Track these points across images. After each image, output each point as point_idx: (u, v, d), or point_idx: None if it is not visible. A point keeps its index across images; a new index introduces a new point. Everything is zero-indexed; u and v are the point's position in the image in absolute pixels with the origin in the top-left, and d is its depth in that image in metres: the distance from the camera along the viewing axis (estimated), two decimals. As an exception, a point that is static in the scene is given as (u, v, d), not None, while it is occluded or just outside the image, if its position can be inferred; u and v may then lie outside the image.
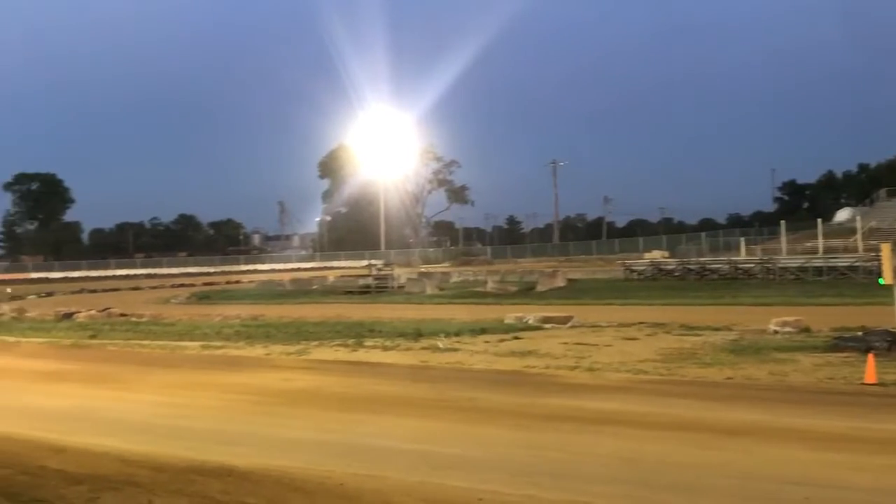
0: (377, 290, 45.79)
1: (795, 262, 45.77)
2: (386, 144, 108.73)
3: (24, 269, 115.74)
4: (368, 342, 20.21)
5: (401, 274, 52.77)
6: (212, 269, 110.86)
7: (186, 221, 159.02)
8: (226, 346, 21.23)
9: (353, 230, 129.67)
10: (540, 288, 42.15)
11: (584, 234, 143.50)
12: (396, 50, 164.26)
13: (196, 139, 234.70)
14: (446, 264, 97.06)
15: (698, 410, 11.29)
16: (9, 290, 68.27)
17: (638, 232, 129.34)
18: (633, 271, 51.15)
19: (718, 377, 14.00)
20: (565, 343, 18.65)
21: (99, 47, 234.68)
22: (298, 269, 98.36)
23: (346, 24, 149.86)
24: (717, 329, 20.20)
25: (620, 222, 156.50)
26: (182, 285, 70.54)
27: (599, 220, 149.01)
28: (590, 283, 48.26)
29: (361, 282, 49.38)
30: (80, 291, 64.40)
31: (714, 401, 12.00)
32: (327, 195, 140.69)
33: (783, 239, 55.96)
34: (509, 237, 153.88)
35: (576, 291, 39.84)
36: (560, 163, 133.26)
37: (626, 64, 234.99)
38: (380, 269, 53.08)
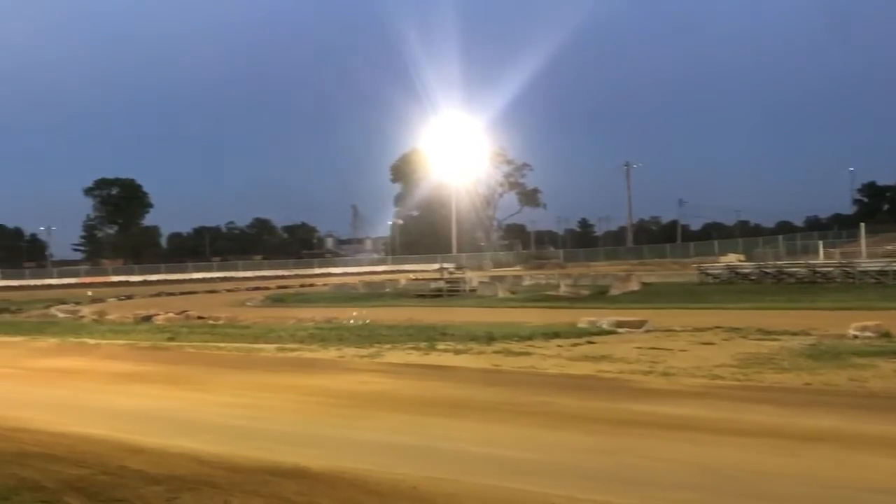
0: (449, 293, 45.84)
1: (876, 265, 44.68)
2: (457, 148, 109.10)
3: (105, 273, 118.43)
4: (440, 345, 20.23)
5: (472, 277, 52.80)
6: (286, 273, 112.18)
7: (261, 225, 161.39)
8: (300, 348, 21.44)
9: (425, 233, 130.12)
10: (613, 292, 41.84)
11: (658, 237, 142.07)
12: (469, 54, 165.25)
13: (271, 144, 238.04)
14: (518, 268, 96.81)
15: (776, 416, 11.07)
16: (90, 292, 70.03)
17: (713, 235, 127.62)
18: (708, 275, 50.46)
19: (796, 383, 13.72)
20: (639, 347, 18.45)
21: (178, 55, 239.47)
22: (371, 273, 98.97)
23: (420, 29, 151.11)
24: (794, 334, 19.80)
25: (695, 225, 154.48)
26: (257, 288, 71.50)
27: (674, 223, 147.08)
28: (664, 286, 47.74)
29: (433, 285, 49.47)
30: (159, 294, 65.71)
31: (792, 407, 11.75)
32: (399, 199, 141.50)
33: (863, 242, 54.72)
34: (582, 240, 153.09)
35: (650, 295, 39.43)
36: (634, 165, 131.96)
37: (699, 67, 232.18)
38: (451, 273, 53.24)
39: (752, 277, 47.82)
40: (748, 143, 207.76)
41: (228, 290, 70.32)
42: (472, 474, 8.59)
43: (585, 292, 42.48)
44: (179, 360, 20.77)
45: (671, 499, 7.64)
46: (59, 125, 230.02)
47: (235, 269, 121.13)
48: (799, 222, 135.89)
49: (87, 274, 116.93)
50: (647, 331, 21.93)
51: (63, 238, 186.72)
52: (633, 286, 44.07)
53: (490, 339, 20.67)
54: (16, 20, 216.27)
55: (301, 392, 14.62)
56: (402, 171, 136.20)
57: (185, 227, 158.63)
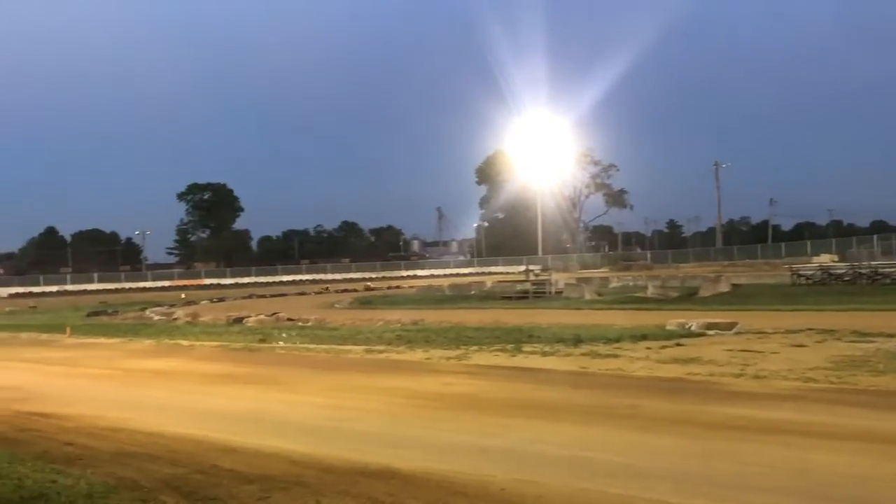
0: (535, 295, 45.69)
1: (976, 264, 43.18)
2: (543, 149, 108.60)
3: (197, 276, 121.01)
4: (527, 347, 20.19)
5: (558, 279, 52.56)
6: (373, 275, 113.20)
7: (349, 228, 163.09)
8: (388, 350, 21.62)
9: (511, 235, 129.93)
10: (703, 293, 41.20)
11: (748, 237, 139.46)
12: (554, 54, 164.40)
13: (358, 148, 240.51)
14: (605, 269, 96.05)
15: (871, 420, 10.79)
16: (183, 295, 71.72)
17: (805, 235, 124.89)
18: (800, 276, 49.34)
19: (892, 386, 13.34)
20: (730, 350, 18.14)
21: (268, 64, 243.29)
22: (456, 275, 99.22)
23: (505, 30, 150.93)
24: (891, 335, 19.22)
25: (787, 225, 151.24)
26: (345, 290, 72.37)
27: (765, 224, 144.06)
28: (755, 288, 46.83)
29: (519, 287, 49.36)
30: (250, 297, 66.94)
31: (889, 411, 11.44)
32: (484, 201, 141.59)
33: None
34: (670, 241, 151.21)
35: (740, 297, 38.72)
36: (723, 164, 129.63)
37: (790, 63, 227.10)
38: (537, 275, 53.10)
39: (846, 278, 46.61)
40: (841, 140, 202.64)
41: (317, 293, 71.26)
42: (561, 477, 8.56)
43: (674, 294, 41.90)
44: (270, 361, 21.13)
45: (763, 503, 7.52)
46: (153, 132, 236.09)
47: (324, 271, 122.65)
48: (895, 221, 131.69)
49: (181, 277, 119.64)
50: (738, 333, 21.55)
51: (157, 242, 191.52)
52: (723, 288, 43.32)
53: (577, 341, 20.56)
54: (110, 30, 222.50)
55: (389, 393, 14.73)
56: (487, 174, 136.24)
57: (275, 231, 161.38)
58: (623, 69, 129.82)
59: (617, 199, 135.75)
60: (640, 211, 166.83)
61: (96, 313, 49.70)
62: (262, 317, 34.79)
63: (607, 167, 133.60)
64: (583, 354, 18.57)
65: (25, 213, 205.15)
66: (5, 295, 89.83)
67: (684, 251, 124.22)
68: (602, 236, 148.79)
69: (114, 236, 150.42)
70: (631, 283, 52.12)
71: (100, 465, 9.75)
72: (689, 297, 39.90)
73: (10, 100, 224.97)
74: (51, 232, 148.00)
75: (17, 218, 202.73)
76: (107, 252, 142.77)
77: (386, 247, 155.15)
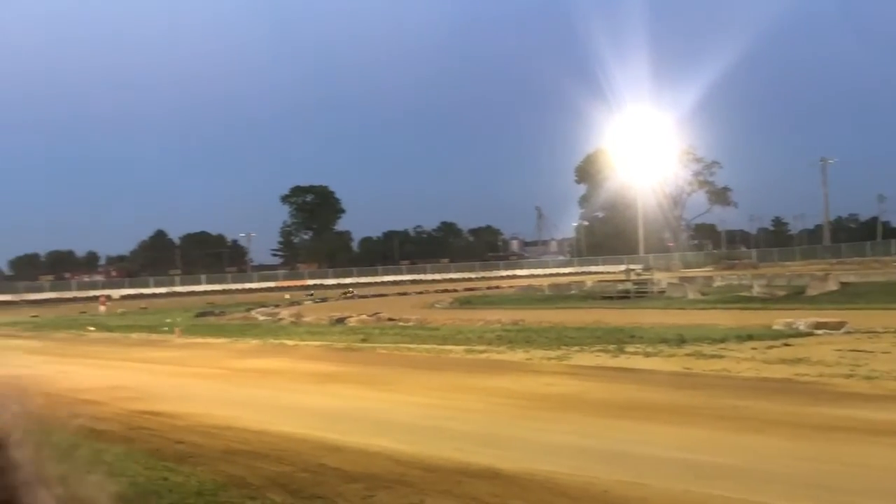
0: (636, 295, 45.16)
1: None
2: (644, 147, 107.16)
3: (301, 277, 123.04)
4: (629, 348, 19.99)
5: (660, 278, 51.86)
6: (472, 275, 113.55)
7: (448, 228, 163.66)
8: (488, 350, 21.65)
9: (611, 234, 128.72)
10: (810, 292, 40.09)
11: (856, 234, 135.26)
12: (657, 50, 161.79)
13: (456, 148, 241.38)
14: (708, 268, 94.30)
15: None
16: (287, 296, 73.01)
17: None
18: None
19: None
20: (839, 350, 17.65)
21: (366, 65, 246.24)
22: (556, 275, 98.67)
23: (606, 26, 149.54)
24: None
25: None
26: (445, 290, 72.73)
27: (874, 220, 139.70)
28: (865, 286, 45.34)
29: (620, 287, 48.86)
30: (352, 297, 67.71)
31: None
32: (584, 200, 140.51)
33: None
34: (775, 239, 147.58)
35: (849, 295, 37.58)
36: (829, 160, 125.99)
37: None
38: (639, 274, 52.51)
39: (963, 275, 44.88)
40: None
41: (417, 293, 71.77)
42: (665, 479, 8.47)
43: (780, 293, 40.89)
44: (372, 360, 21.37)
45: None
46: (256, 136, 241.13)
47: (423, 271, 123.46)
48: None
49: (285, 278, 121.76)
50: (847, 332, 20.96)
51: (262, 244, 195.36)
52: (832, 286, 42.10)
53: (681, 341, 20.26)
54: (210, 32, 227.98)
55: (490, 393, 14.77)
56: (586, 172, 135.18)
57: (376, 232, 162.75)
58: (727, 63, 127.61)
59: (720, 196, 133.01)
60: (745, 208, 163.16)
61: (204, 314, 51.00)
62: (363, 317, 35.21)
63: (710, 164, 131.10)
64: (687, 355, 18.30)
65: (136, 216, 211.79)
66: (117, 296, 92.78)
67: (790, 249, 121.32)
68: (705, 235, 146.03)
69: (220, 238, 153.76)
70: (735, 282, 51.01)
71: (209, 463, 10.02)
72: (796, 296, 38.89)
73: (111, 107, 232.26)
74: (160, 235, 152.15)
75: (128, 222, 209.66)
76: (214, 254, 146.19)
77: (485, 247, 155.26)
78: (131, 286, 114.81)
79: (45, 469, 0.70)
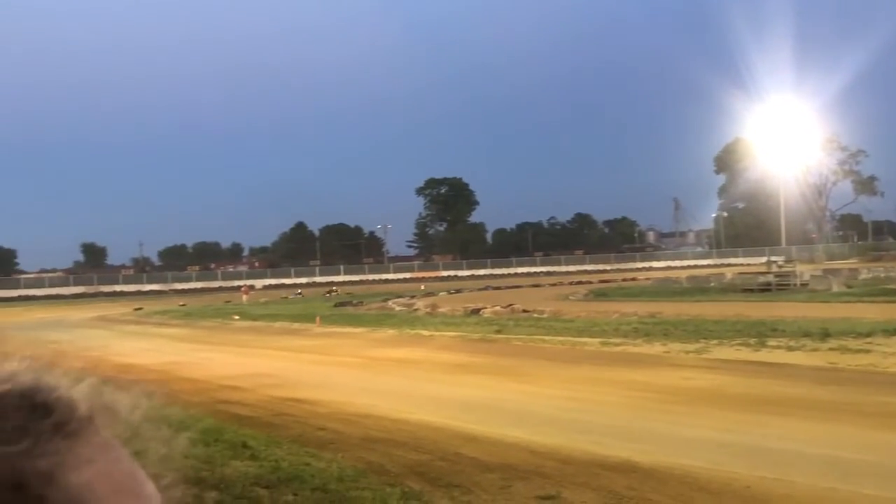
0: (778, 287, 43.86)
1: None
2: (785, 136, 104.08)
3: (435, 268, 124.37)
4: (771, 342, 19.45)
5: (803, 271, 50.21)
6: (607, 267, 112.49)
7: (582, 220, 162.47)
8: (624, 343, 21.43)
9: (751, 226, 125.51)
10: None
11: None
12: (800, 37, 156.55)
13: (591, 139, 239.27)
14: (854, 260, 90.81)
15: None
16: (422, 286, 73.86)
17: None
18: None
19: None
20: None
21: (498, 57, 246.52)
22: (694, 266, 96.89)
23: (746, 12, 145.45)
24: None
25: None
26: (579, 282, 72.23)
27: None
28: None
29: (761, 279, 47.52)
30: (485, 288, 68.04)
31: None
32: (723, 190, 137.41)
33: None
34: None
35: None
36: None
37: None
38: (780, 266, 50.91)
39: None
40: None
41: (551, 285, 71.47)
42: (809, 476, 8.25)
43: (932, 286, 39.10)
44: (507, 352, 21.44)
45: None
46: (392, 130, 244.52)
47: (557, 263, 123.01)
48: None
49: (420, 269, 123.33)
50: None
51: (398, 235, 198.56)
52: None
53: (825, 335, 19.60)
54: (341, 30, 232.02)
55: (627, 387, 14.64)
56: (725, 162, 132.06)
57: (509, 224, 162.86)
58: (873, 49, 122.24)
59: (866, 186, 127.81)
60: (893, 198, 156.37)
61: (342, 304, 52.07)
62: (497, 308, 35.33)
63: (855, 153, 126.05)
64: (831, 349, 17.69)
65: (278, 209, 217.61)
66: (259, 286, 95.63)
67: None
68: (850, 225, 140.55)
69: (358, 230, 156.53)
70: (883, 275, 48.99)
71: (349, 450, 10.25)
72: (949, 290, 37.12)
73: (258, 108, 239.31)
74: (300, 227, 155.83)
75: (271, 214, 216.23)
76: (351, 245, 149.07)
77: (620, 238, 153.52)
78: (273, 276, 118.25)
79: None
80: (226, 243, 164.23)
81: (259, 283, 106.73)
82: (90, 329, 42.51)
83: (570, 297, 49.27)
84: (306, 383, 16.96)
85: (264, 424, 12.33)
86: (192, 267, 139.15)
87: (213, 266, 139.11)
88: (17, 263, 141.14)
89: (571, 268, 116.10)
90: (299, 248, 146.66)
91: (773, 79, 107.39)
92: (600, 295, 51.08)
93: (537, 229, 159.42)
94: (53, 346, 28.36)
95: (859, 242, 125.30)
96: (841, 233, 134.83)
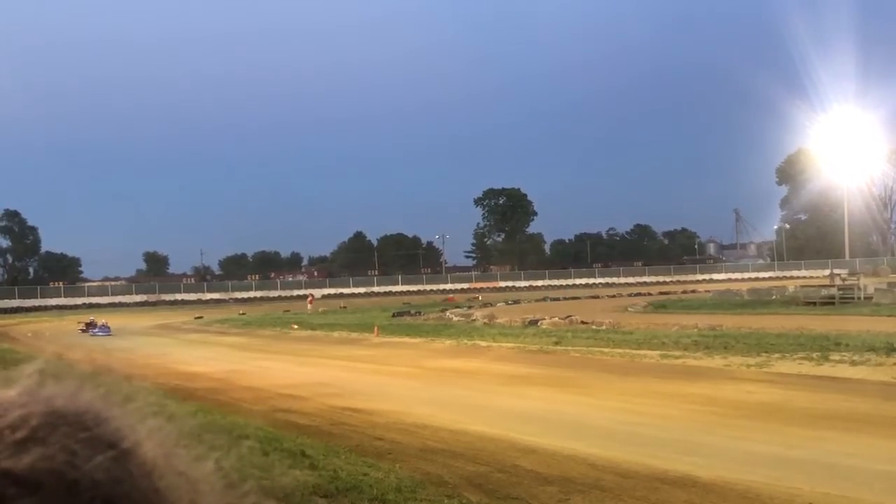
0: (841, 300, 43.10)
1: None
2: (849, 147, 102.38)
3: (493, 278, 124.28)
4: (834, 356, 19.12)
5: (868, 284, 49.28)
6: (666, 279, 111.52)
7: (641, 231, 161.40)
8: (684, 355, 21.21)
9: (814, 238, 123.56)
10: None
11: None
12: (865, 45, 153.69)
13: (651, 150, 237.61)
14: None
15: None
16: (479, 297, 73.81)
17: None
18: None
19: None
20: None
21: (560, 67, 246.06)
22: (756, 279, 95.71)
23: (809, 21, 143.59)
24: None
25: None
26: (638, 294, 71.74)
27: None
28: None
29: (824, 292, 46.76)
30: (543, 299, 67.91)
31: None
32: (785, 202, 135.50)
33: None
34: None
35: None
36: None
37: None
38: (844, 279, 50.04)
39: None
40: None
41: (610, 296, 71.09)
42: (875, 493, 8.11)
43: None
44: (565, 363, 21.35)
45: None
46: (451, 139, 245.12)
47: (616, 275, 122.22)
48: None
49: (477, 280, 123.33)
50: None
51: (456, 245, 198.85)
52: None
53: (890, 350, 19.19)
54: (405, 39, 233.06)
55: (686, 400, 14.50)
56: (787, 173, 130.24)
57: (567, 234, 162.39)
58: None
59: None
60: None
61: (400, 314, 52.33)
62: (555, 319, 35.19)
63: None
64: (896, 365, 17.35)
65: (337, 219, 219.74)
66: (318, 296, 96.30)
67: None
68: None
69: (416, 240, 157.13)
70: (952, 289, 47.91)
71: (407, 460, 10.27)
72: None
73: (321, 119, 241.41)
74: (359, 236, 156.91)
75: (330, 224, 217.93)
76: (409, 255, 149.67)
77: (679, 250, 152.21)
78: (332, 286, 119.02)
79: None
80: (285, 253, 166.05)
81: (318, 292, 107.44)
82: (152, 337, 43.23)
83: (629, 309, 48.91)
84: (364, 393, 17.04)
85: (322, 433, 12.40)
86: (252, 276, 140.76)
87: (272, 275, 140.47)
88: (81, 271, 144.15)
89: (630, 279, 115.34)
90: (358, 258, 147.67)
91: (836, 89, 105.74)
92: (659, 307, 50.66)
93: (596, 240, 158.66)
94: (118, 353, 28.89)
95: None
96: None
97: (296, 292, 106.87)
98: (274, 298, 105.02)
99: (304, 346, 31.94)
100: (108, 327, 46.39)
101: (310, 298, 74.54)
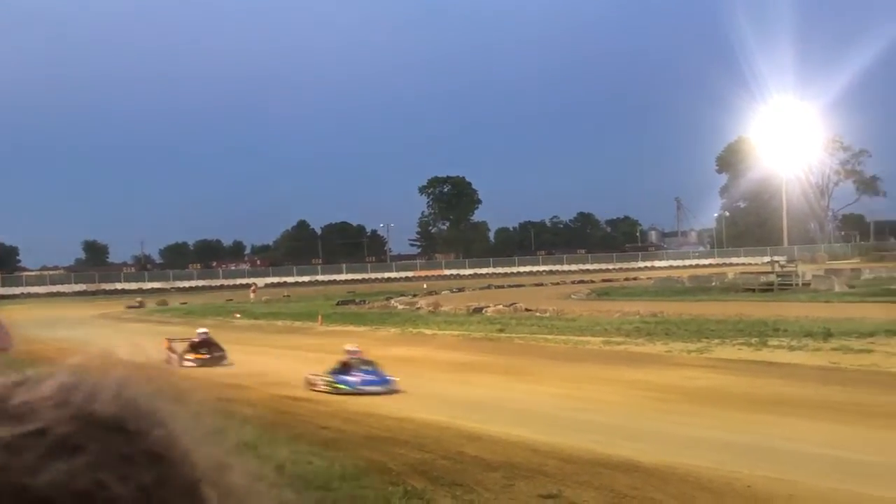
0: (780, 287, 43.83)
1: None
2: (788, 136, 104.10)
3: (438, 266, 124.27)
4: (773, 341, 19.47)
5: (805, 271, 50.16)
6: (609, 266, 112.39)
7: (584, 219, 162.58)
8: (626, 342, 21.45)
9: (753, 225, 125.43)
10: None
11: None
12: (802, 37, 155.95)
13: (594, 139, 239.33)
14: (856, 260, 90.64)
15: None
16: (424, 285, 73.86)
17: None
18: None
19: None
20: None
21: (503, 56, 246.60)
22: (696, 266, 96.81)
23: (750, 11, 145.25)
24: None
25: None
26: (581, 282, 72.28)
27: None
28: None
29: (763, 279, 47.50)
30: (488, 287, 68.03)
31: None
32: (725, 190, 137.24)
33: None
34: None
35: None
36: None
37: None
38: (783, 266, 50.80)
39: None
40: None
41: (554, 284, 71.48)
42: (812, 476, 8.26)
43: (935, 286, 39.05)
44: (510, 350, 21.46)
45: None
46: (393, 129, 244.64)
47: (560, 262, 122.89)
48: None
49: (422, 268, 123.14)
50: None
51: (400, 234, 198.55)
52: None
53: (827, 335, 19.60)
54: (346, 28, 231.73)
55: (629, 386, 14.66)
56: (728, 162, 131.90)
57: (512, 223, 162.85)
58: (876, 49, 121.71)
59: (869, 185, 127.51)
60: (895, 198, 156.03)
61: (345, 302, 52.08)
62: (500, 307, 35.33)
63: (858, 153, 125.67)
64: (833, 349, 17.69)
65: (280, 208, 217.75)
66: (261, 285, 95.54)
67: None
68: (853, 225, 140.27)
69: (360, 229, 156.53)
70: (885, 275, 48.96)
71: (352, 449, 10.27)
72: (952, 290, 37.08)
73: (259, 106, 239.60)
74: (302, 225, 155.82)
75: (274, 213, 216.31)
76: (353, 244, 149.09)
77: (622, 238, 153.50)
78: (275, 275, 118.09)
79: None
80: (227, 242, 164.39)
81: (261, 281, 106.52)
82: (92, 327, 42.57)
83: (573, 297, 49.29)
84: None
85: (266, 423, 12.32)
86: (193, 265, 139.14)
87: (214, 265, 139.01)
88: (19, 261, 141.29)
89: (574, 267, 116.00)
90: (301, 247, 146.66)
91: (776, 79, 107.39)
92: (602, 294, 51.12)
93: (540, 228, 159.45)
94: (57, 344, 28.40)
95: (861, 242, 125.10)
96: (843, 233, 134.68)
97: (238, 281, 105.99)
98: (216, 287, 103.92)
99: (246, 335, 31.65)
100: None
101: (253, 287, 73.98)
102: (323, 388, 15.46)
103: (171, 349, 21.55)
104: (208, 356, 21.21)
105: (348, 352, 16.45)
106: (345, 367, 15.86)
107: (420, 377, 17.27)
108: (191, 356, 21.13)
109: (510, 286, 67.62)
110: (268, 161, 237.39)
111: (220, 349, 21.79)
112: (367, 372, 15.57)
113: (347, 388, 15.09)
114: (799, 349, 18.15)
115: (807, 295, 38.90)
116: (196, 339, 22.14)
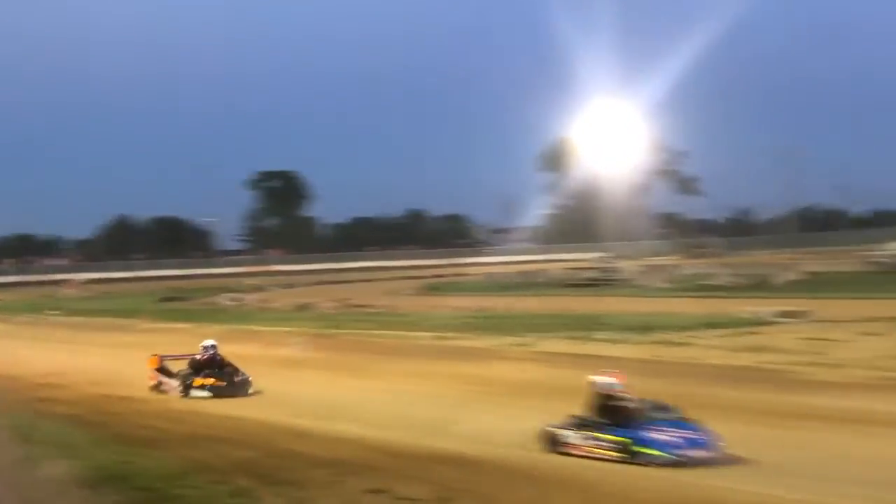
0: (603, 283, 45.17)
1: None
2: (610, 136, 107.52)
3: (268, 262, 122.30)
4: (597, 335, 20.00)
5: (628, 267, 51.99)
6: (439, 262, 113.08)
7: (415, 216, 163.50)
8: (456, 336, 21.61)
9: (577, 223, 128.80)
10: (776, 281, 40.42)
11: (822, 224, 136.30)
12: (625, 37, 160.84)
13: (426, 135, 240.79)
14: (675, 257, 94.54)
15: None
16: (254, 281, 72.58)
17: (881, 222, 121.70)
18: (875, 263, 48.06)
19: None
20: (804, 338, 17.76)
21: (332, 48, 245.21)
22: (524, 262, 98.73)
23: (571, 9, 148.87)
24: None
25: (861, 212, 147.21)
26: (412, 277, 72.60)
27: (839, 210, 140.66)
28: (829, 276, 45.76)
29: (587, 275, 48.89)
30: (320, 283, 67.41)
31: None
32: (551, 188, 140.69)
33: None
34: (742, 229, 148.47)
35: (814, 285, 37.93)
36: (797, 152, 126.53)
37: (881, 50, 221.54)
38: (606, 262, 52.50)
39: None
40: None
41: (385, 280, 71.55)
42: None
43: (746, 282, 41.15)
44: (340, 346, 21.30)
45: (841, 493, 7.42)
46: (220, 116, 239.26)
47: (391, 258, 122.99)
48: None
49: (252, 263, 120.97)
50: (812, 321, 21.09)
51: (229, 229, 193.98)
52: (796, 275, 42.47)
53: (647, 328, 20.33)
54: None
55: (458, 380, 14.78)
56: (552, 161, 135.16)
57: (343, 218, 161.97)
58: (697, 53, 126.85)
59: (688, 186, 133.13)
60: (713, 198, 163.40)
61: (170, 299, 50.42)
62: (331, 303, 35.09)
63: (678, 154, 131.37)
64: (654, 343, 18.35)
65: (100, 200, 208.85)
66: (82, 280, 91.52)
67: (757, 239, 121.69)
68: (672, 224, 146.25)
69: (186, 223, 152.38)
70: (702, 272, 51.18)
71: (175, 448, 9.96)
72: (761, 285, 39.13)
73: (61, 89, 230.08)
74: (123, 219, 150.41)
75: (90, 204, 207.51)
76: (179, 238, 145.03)
77: (452, 234, 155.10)
78: (96, 270, 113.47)
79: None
80: (43, 235, 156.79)
81: (81, 276, 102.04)
82: None
83: (404, 292, 49.43)
84: (130, 381, 16.32)
85: (87, 423, 11.83)
86: (6, 260, 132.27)
87: (28, 259, 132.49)
88: None
89: (404, 262, 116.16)
90: (123, 241, 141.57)
91: (598, 79, 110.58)
92: (433, 290, 51.39)
93: (371, 224, 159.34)
94: None
95: (680, 240, 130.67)
96: (663, 231, 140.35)
97: (56, 277, 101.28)
98: (32, 283, 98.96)
99: (65, 332, 30.30)
100: None
101: (72, 283, 70.94)
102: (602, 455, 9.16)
103: (162, 370, 16.18)
104: (224, 383, 15.19)
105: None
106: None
107: (250, 375, 16.91)
108: (199, 382, 15.25)
109: (342, 282, 67.32)
110: (87, 151, 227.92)
111: (238, 370, 15.74)
112: (677, 425, 9.39)
113: (661, 454, 8.77)
114: (622, 343, 18.72)
115: (628, 290, 40.22)
116: (200, 357, 16.22)
